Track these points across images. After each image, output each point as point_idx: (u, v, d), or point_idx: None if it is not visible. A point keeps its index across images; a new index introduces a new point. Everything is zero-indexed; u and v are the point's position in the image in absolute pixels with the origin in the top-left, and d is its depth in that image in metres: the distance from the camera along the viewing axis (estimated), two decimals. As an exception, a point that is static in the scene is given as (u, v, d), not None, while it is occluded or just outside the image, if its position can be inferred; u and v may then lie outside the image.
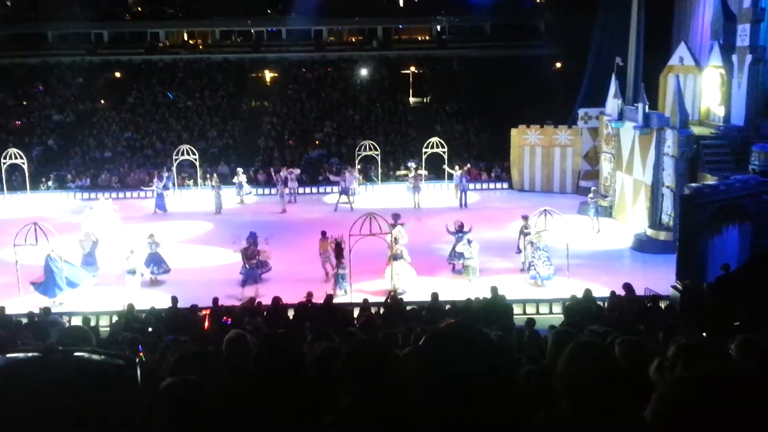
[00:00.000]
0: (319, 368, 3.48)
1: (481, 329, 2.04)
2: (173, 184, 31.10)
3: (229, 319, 13.82)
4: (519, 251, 20.56)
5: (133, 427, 0.91)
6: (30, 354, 1.22)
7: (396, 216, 19.78)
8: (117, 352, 1.66)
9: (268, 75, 43.81)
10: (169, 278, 19.61)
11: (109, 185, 33.12)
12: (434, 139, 31.92)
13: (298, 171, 30.95)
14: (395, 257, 18.24)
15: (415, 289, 17.85)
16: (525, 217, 20.20)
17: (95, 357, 1.23)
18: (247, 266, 18.42)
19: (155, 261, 19.52)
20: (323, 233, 19.46)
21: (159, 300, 16.74)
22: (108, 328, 14.25)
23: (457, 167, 30.17)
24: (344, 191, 28.95)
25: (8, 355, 1.25)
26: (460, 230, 19.68)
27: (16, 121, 38.49)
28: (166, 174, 30.39)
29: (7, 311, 14.92)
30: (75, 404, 0.89)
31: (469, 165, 31.51)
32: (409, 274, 18.41)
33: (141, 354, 7.47)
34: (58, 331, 12.77)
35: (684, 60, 25.20)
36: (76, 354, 1.13)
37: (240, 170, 31.37)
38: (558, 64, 40.07)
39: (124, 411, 0.93)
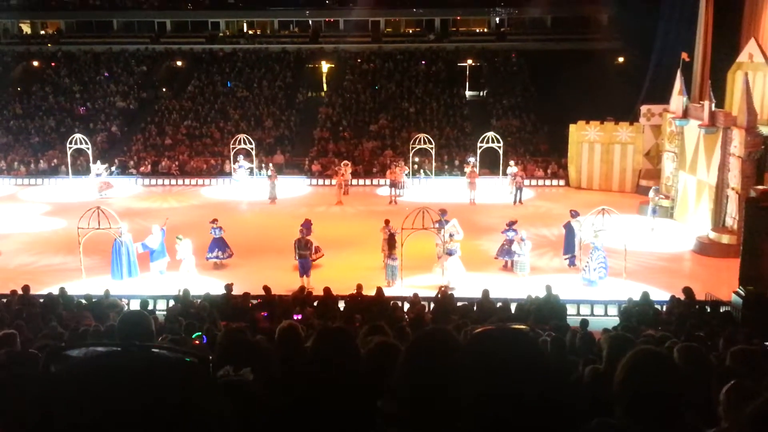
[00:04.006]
0: (373, 362, 3.48)
1: (526, 333, 1.96)
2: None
3: (265, 313, 13.94)
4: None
5: (206, 424, 0.94)
6: (110, 348, 1.26)
7: (443, 212, 19.63)
8: (191, 350, 1.69)
9: (325, 66, 44.08)
10: (230, 263, 19.98)
11: (168, 172, 33.95)
12: (490, 134, 31.61)
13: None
14: (449, 252, 18.16)
15: (464, 285, 17.75)
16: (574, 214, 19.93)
17: (170, 354, 1.26)
18: (299, 256, 18.47)
19: (219, 246, 19.87)
20: (386, 221, 19.45)
21: (218, 286, 17.02)
22: (164, 312, 14.61)
23: (512, 162, 29.79)
24: (393, 184, 29.08)
25: (89, 348, 1.30)
26: (510, 227, 19.57)
27: (82, 107, 39.76)
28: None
29: (69, 292, 15.43)
30: (152, 400, 0.92)
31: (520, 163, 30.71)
32: (459, 270, 18.31)
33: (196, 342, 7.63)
34: (117, 313, 13.19)
35: (754, 57, 24.28)
36: (152, 350, 1.16)
37: (240, 157, 31.43)
38: (620, 59, 39.08)
39: (196, 408, 0.95)
